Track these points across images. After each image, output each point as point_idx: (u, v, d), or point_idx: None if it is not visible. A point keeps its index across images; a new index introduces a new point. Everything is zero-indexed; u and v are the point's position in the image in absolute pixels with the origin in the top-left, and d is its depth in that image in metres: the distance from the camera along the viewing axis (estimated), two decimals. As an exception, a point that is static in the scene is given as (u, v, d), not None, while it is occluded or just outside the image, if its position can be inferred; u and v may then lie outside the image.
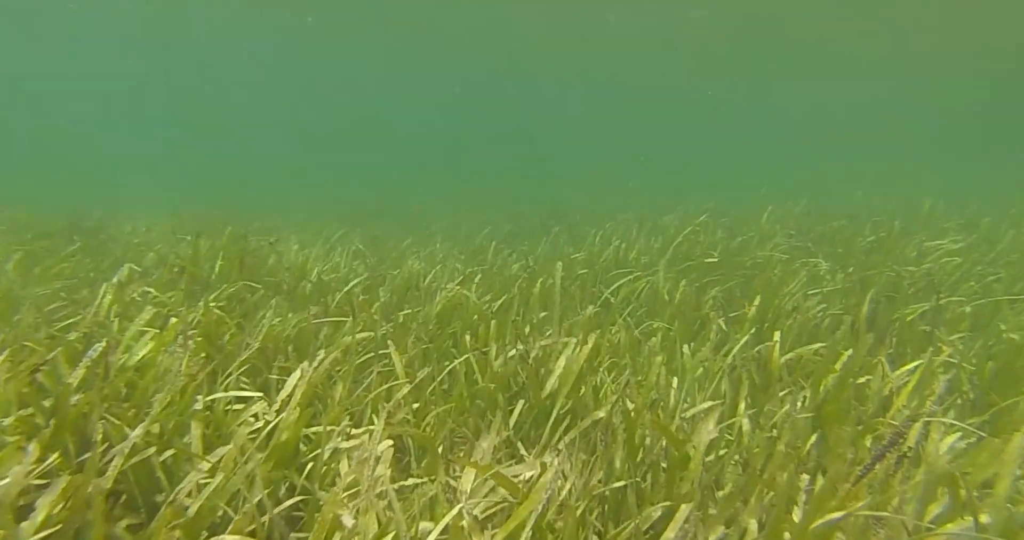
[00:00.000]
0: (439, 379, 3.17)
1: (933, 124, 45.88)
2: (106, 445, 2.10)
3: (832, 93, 41.66)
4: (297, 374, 2.81)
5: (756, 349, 3.42)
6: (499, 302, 4.38)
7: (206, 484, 2.10)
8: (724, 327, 4.20)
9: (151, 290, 3.84)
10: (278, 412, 2.56)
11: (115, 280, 3.82)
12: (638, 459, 2.55)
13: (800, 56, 32.50)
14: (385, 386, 2.95)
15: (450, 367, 3.21)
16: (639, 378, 3.58)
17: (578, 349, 3.21)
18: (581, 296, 4.63)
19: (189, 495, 2.12)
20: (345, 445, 2.42)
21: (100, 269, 4.96)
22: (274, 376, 3.00)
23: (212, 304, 3.73)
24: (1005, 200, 11.03)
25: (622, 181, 19.00)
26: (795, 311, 4.19)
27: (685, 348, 3.65)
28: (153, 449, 2.02)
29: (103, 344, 2.32)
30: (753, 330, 3.76)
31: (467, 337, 3.86)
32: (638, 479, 2.45)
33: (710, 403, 3.23)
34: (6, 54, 39.30)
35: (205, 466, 2.05)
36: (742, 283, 5.07)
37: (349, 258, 5.90)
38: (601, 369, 3.49)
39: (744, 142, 49.27)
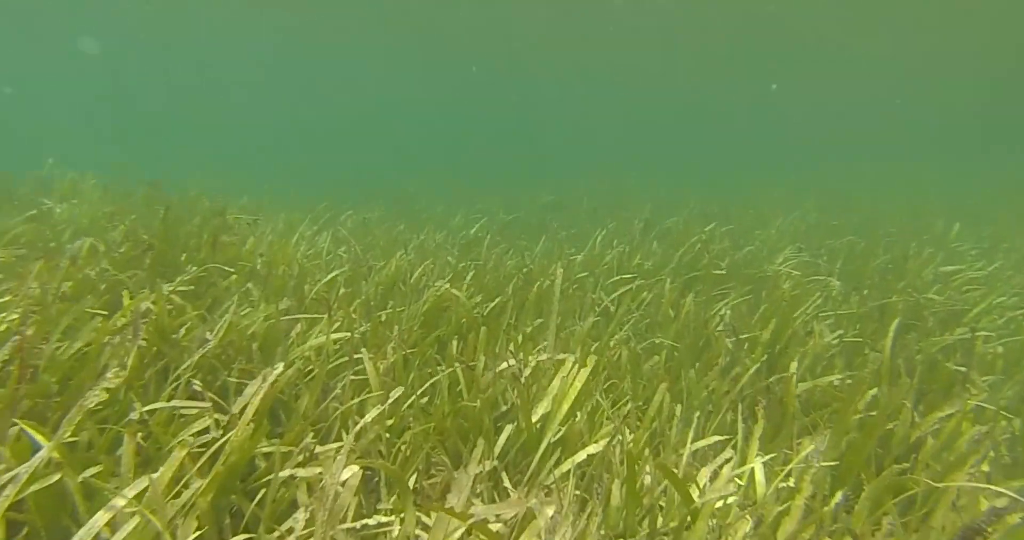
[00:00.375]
0: (420, 391, 2.84)
1: (933, 124, 45.97)
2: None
3: (832, 93, 41.54)
4: (258, 381, 2.47)
5: (770, 379, 3.11)
6: (491, 304, 4.04)
7: (133, 514, 1.77)
8: (730, 347, 3.89)
9: (109, 268, 3.47)
10: (229, 427, 2.22)
11: (68, 255, 3.45)
12: (638, 498, 2.24)
13: (800, 56, 32.32)
14: (357, 399, 2.61)
15: (434, 380, 2.87)
16: (640, 404, 3.27)
17: (575, 370, 2.88)
18: (580, 303, 4.30)
19: (108, 526, 1.79)
20: (303, 473, 2.09)
21: (60, 240, 4.58)
22: (233, 379, 2.65)
23: (176, 289, 3.37)
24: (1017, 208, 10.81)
25: (622, 180, 18.68)
26: (809, 335, 3.88)
27: (691, 372, 3.33)
28: (58, 476, 1.68)
29: (17, 337, 1.96)
30: (765, 357, 3.44)
31: (454, 343, 3.53)
32: (638, 530, 2.13)
33: (716, 438, 2.93)
34: (6, 52, 38.50)
35: (125, 499, 1.70)
36: (751, 299, 4.75)
37: (335, 244, 5.54)
38: (599, 391, 3.17)
39: (744, 141, 49.23)
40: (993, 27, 25.10)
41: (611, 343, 3.85)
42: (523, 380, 2.87)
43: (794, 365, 3.08)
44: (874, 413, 2.68)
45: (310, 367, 3.26)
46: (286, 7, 27.05)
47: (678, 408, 3.23)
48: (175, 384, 2.49)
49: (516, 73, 41.94)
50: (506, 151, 39.20)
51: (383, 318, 3.58)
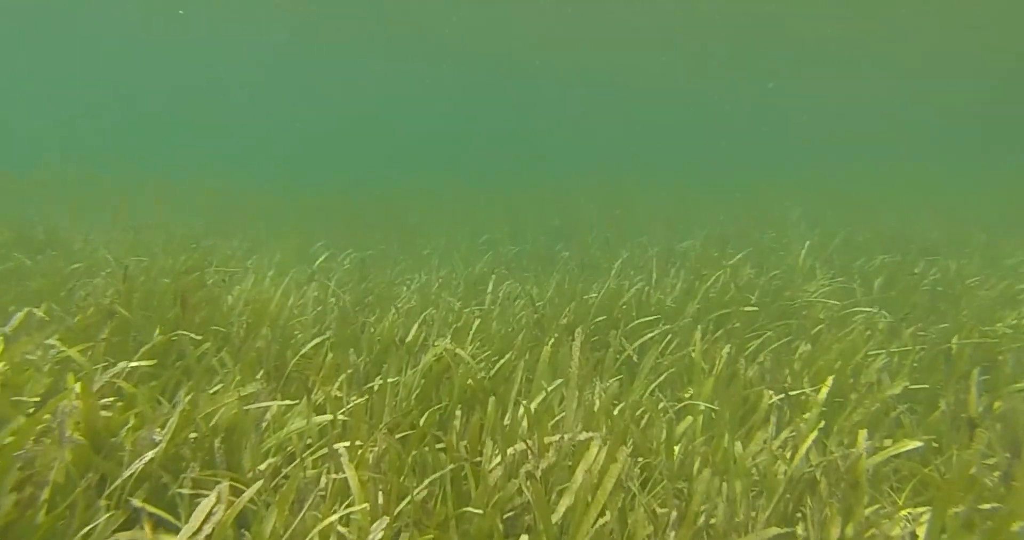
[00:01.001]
0: (417, 491, 2.34)
1: (933, 124, 45.68)
2: None
3: (832, 93, 41.28)
4: (211, 500, 1.99)
5: (834, 454, 2.58)
6: (499, 363, 3.55)
7: None
8: (778, 403, 3.37)
9: (56, 343, 3.01)
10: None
11: (6, 329, 3.00)
12: None
13: (800, 56, 32.09)
14: (339, 514, 2.12)
15: (434, 477, 2.37)
16: (679, 484, 2.76)
17: (601, 456, 2.38)
18: (602, 356, 3.80)
19: None
20: None
21: (24, 297, 4.15)
22: (186, 491, 2.17)
23: (130, 369, 2.91)
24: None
25: (628, 188, 18.32)
26: (869, 388, 3.35)
27: (737, 445, 2.82)
28: None
29: None
30: (821, 423, 2.91)
31: (458, 414, 3.04)
32: None
33: (774, 531, 2.41)
34: (6, 52, 39.10)
35: None
36: (790, 339, 4.24)
37: (327, 292, 5.08)
38: (629, 472, 2.66)
39: (746, 142, 48.99)
40: (993, 26, 24.80)
41: (638, 400, 3.35)
42: (539, 473, 2.38)
43: (864, 435, 2.56)
44: (983, 507, 2.15)
45: (290, 448, 2.79)
46: (285, 7, 27.10)
47: (723, 486, 2.73)
48: (115, 498, 2.01)
49: (516, 74, 41.90)
50: (507, 152, 39.07)
51: (375, 389, 3.10)
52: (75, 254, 5.91)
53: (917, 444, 2.64)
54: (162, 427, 2.38)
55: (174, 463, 2.33)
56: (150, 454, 2.05)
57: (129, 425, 2.30)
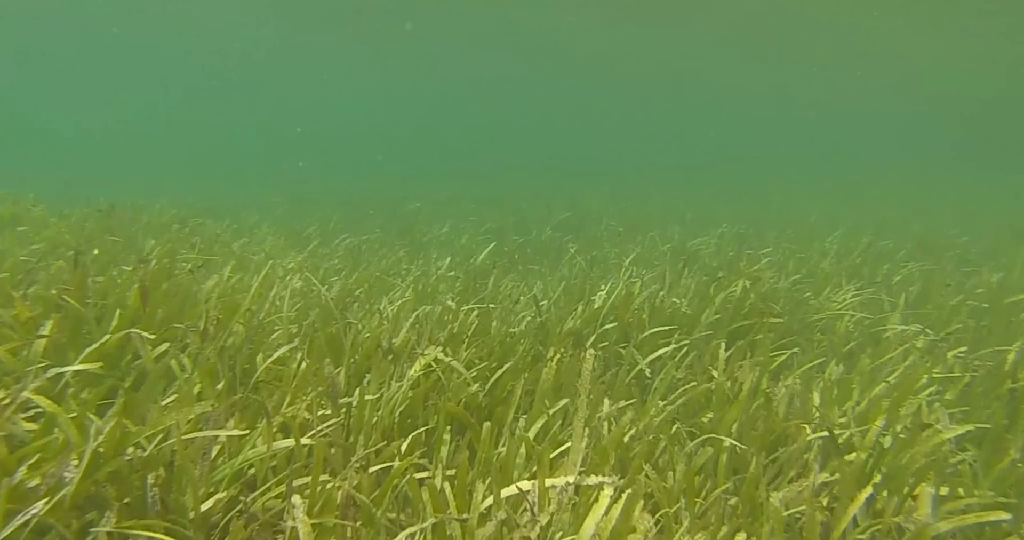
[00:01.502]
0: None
1: (950, 129, 45.34)
2: None
3: (852, 97, 40.70)
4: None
5: (896, 518, 2.17)
6: (497, 374, 3.14)
7: None
8: (816, 441, 2.95)
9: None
10: None
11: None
12: None
13: (822, 58, 31.50)
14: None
15: (411, 531, 1.96)
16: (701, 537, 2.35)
17: (615, 509, 1.97)
18: (614, 373, 3.38)
19: None
20: None
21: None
22: (102, 544, 1.76)
23: (76, 368, 2.50)
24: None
25: (635, 183, 17.95)
26: (918, 424, 2.92)
27: (773, 496, 2.40)
28: None
29: None
30: (876, 477, 2.48)
31: (447, 438, 2.63)
32: None
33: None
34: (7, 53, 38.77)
35: None
36: (822, 361, 3.81)
37: (318, 283, 4.65)
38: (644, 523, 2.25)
39: (752, 143, 48.56)
40: (1000, 30, 24.13)
41: (652, 425, 2.93)
42: (537, 531, 1.96)
43: (927, 502, 2.14)
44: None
45: (253, 471, 2.40)
46: (287, 5, 26.54)
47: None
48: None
49: (529, 72, 41.35)
50: (512, 152, 38.71)
51: (355, 404, 2.69)
52: (45, 231, 5.50)
53: (1004, 517, 2.18)
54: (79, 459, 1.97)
55: (98, 505, 1.92)
56: (37, 507, 1.63)
57: (37, 457, 1.89)
